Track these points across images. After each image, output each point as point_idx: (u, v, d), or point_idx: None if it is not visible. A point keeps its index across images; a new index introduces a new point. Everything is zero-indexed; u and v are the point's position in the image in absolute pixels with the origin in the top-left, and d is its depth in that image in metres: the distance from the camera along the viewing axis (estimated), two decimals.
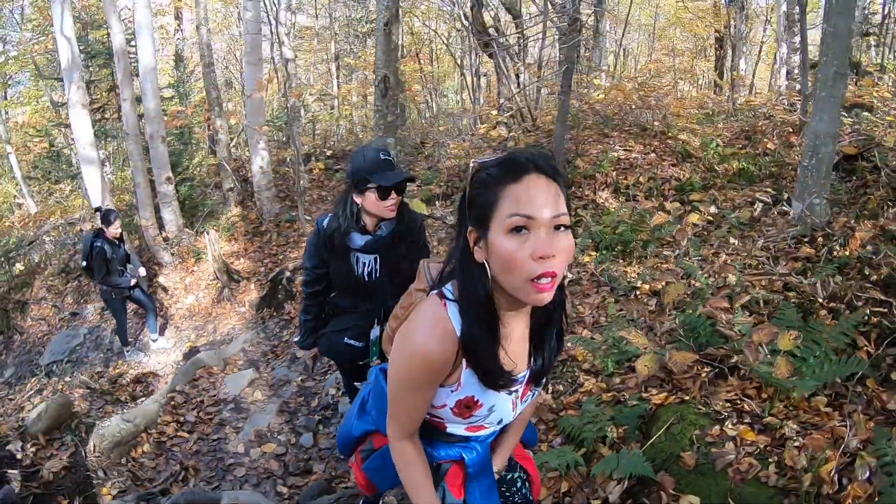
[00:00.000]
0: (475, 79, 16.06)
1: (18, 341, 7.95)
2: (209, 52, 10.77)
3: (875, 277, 3.24)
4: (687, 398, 2.77)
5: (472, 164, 1.20)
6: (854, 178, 4.98)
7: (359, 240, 2.62)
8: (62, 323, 8.08)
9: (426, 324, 1.25)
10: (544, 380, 1.44)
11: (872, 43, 11.45)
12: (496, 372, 1.25)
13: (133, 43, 8.73)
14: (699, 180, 5.95)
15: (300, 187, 8.41)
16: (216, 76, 11.40)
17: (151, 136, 8.50)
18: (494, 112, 9.61)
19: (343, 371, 3.19)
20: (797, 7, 8.38)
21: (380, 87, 6.43)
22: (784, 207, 4.78)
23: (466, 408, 1.33)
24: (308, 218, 8.30)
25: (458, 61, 16.49)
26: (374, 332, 2.78)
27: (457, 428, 1.42)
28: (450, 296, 1.25)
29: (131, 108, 8.21)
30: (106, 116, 10.56)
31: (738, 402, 2.65)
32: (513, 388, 1.34)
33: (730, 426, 2.45)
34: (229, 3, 16.72)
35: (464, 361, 1.26)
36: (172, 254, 8.70)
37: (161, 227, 8.92)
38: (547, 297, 1.11)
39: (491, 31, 9.48)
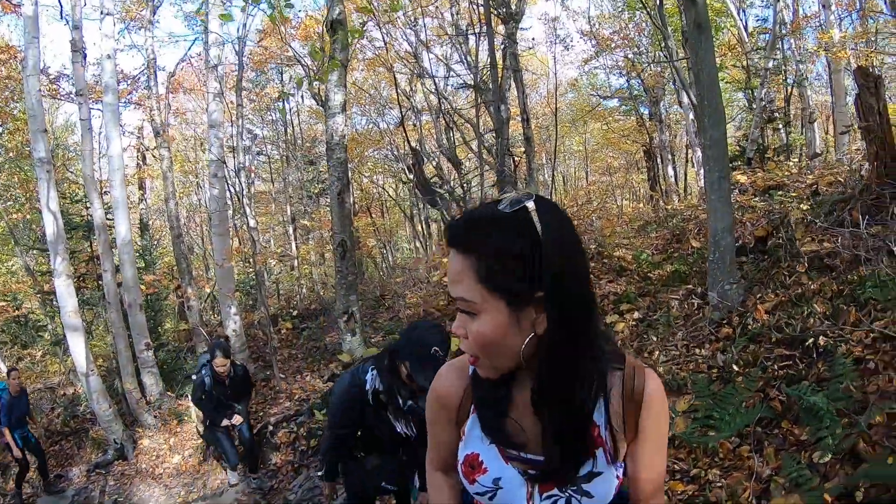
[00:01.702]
0: (425, 227, 17.09)
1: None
2: (178, 224, 11.58)
3: (777, 339, 3.82)
4: None
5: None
6: (767, 256, 5.69)
7: (401, 402, 2.72)
8: (47, 485, 8.05)
9: (450, 362, 1.28)
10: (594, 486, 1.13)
11: (780, 126, 12.85)
12: (492, 419, 1.15)
13: (110, 217, 9.39)
14: (635, 290, 6.56)
15: (272, 347, 8.89)
16: (185, 245, 12.18)
17: (130, 305, 8.96)
18: (445, 259, 10.39)
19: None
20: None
21: (338, 250, 7.17)
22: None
23: (471, 468, 1.19)
24: (283, 376, 8.71)
25: (407, 212, 17.55)
26: (415, 480, 3.01)
27: None
28: None
29: (112, 278, 8.73)
30: (85, 285, 11.01)
31: (670, 465, 3.09)
32: (529, 470, 1.14)
33: None
34: (189, 173, 17.88)
35: (471, 407, 1.20)
36: (155, 416, 8.86)
37: (143, 391, 9.13)
38: (480, 372, 1.10)
39: (434, 179, 10.46)
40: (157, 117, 11.50)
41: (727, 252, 4.74)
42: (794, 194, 7.21)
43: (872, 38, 12.78)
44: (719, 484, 2.70)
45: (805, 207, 6.24)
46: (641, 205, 16.10)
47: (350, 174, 16.61)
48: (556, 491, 1.14)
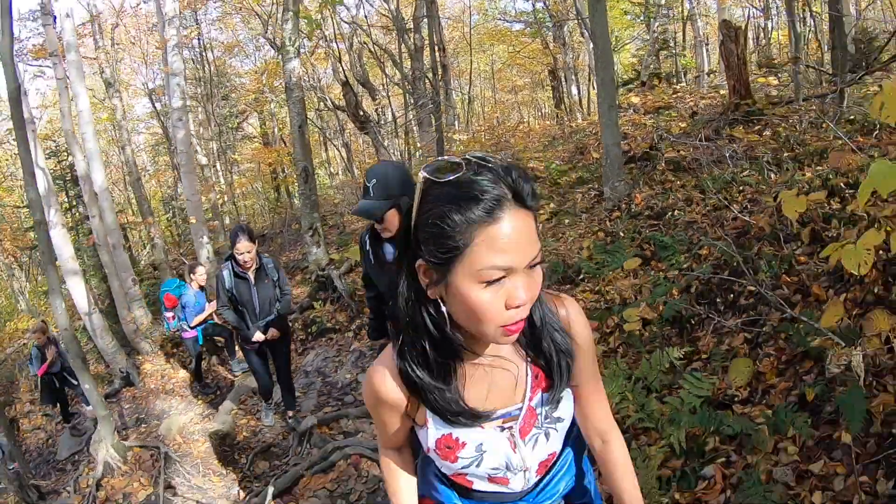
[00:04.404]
0: (345, 150, 18.45)
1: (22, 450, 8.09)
2: (136, 169, 12.47)
3: (648, 215, 5.83)
4: None
5: (421, 177, 0.96)
6: (649, 163, 7.67)
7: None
8: (61, 426, 8.46)
9: (381, 356, 1.19)
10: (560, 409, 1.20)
11: (672, 53, 14.91)
12: (451, 410, 1.10)
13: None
14: (547, 193, 8.31)
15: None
16: (144, 188, 13.13)
17: (114, 246, 9.92)
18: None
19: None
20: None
21: (301, 175, 8.58)
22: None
23: (448, 448, 1.16)
24: None
25: (327, 136, 18.70)
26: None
27: (480, 482, 1.23)
28: None
29: (100, 223, 9.63)
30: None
31: (585, 287, 5.06)
32: (504, 425, 1.16)
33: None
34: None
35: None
36: (150, 343, 9.77)
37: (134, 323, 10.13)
38: (515, 336, 1.00)
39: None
40: (107, 69, 12.06)
41: (616, 160, 6.65)
42: (674, 115, 9.20)
43: None
44: (613, 292, 4.65)
45: (684, 125, 8.26)
46: (547, 122, 17.76)
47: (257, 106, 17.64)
48: (534, 430, 1.18)
